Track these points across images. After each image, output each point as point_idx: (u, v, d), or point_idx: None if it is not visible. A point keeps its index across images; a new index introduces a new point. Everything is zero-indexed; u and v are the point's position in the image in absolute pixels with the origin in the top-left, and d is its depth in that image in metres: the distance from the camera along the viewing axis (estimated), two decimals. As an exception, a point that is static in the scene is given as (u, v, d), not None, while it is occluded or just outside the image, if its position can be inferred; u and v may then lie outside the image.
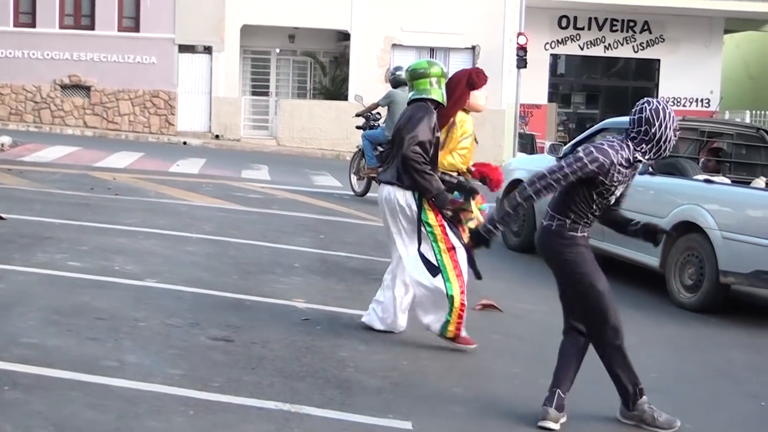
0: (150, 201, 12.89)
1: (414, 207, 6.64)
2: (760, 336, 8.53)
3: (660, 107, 5.24)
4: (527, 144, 25.48)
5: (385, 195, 6.78)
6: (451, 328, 6.67)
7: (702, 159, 10.93)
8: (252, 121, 29.53)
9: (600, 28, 30.46)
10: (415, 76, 6.79)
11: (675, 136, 5.27)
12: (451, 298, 6.60)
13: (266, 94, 29.95)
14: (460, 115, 7.85)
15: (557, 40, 30.37)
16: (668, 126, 5.21)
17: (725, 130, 11.26)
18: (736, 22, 30.65)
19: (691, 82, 30.18)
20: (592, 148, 5.25)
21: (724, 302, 9.13)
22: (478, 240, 5.41)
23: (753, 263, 8.58)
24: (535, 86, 29.04)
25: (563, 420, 5.47)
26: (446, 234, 6.67)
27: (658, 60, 30.72)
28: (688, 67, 30.18)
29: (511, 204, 5.29)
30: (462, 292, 6.64)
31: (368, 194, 15.33)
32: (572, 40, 30.42)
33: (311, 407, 5.29)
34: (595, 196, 5.36)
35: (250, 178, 17.69)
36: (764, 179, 10.31)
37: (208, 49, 28.00)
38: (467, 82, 8.11)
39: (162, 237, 10.02)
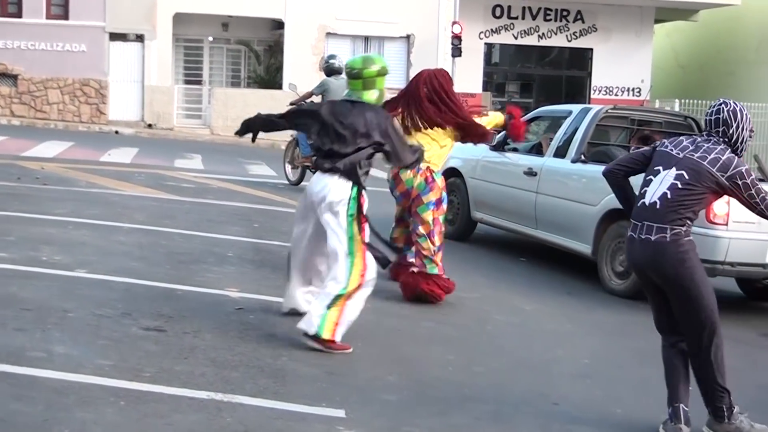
0: (80, 191, 12.69)
1: (344, 203, 6.36)
2: (689, 320, 8.66)
3: (738, 108, 5.29)
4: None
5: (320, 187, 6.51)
6: (329, 326, 6.23)
7: (632, 147, 11.06)
8: (185, 110, 29.23)
9: (534, 18, 30.66)
10: (350, 75, 6.61)
11: (750, 136, 5.33)
12: (338, 297, 6.26)
13: (200, 82, 29.68)
14: None
15: (491, 30, 30.50)
16: (745, 127, 5.28)
17: (654, 119, 11.41)
18: (666, 12, 31.07)
19: (622, 71, 30.54)
20: (740, 168, 5.21)
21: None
22: None
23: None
24: (470, 75, 29.15)
25: None
26: (363, 231, 6.40)
27: (591, 49, 31.02)
28: (619, 57, 30.54)
29: None
30: (348, 297, 6.30)
31: (303, 183, 15.27)
32: (506, 29, 30.57)
33: (244, 396, 5.25)
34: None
35: (183, 168, 17.52)
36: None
37: (140, 38, 27.64)
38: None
39: (92, 227, 9.87)
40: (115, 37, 27.48)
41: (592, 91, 30.83)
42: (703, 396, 5.43)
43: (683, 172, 5.20)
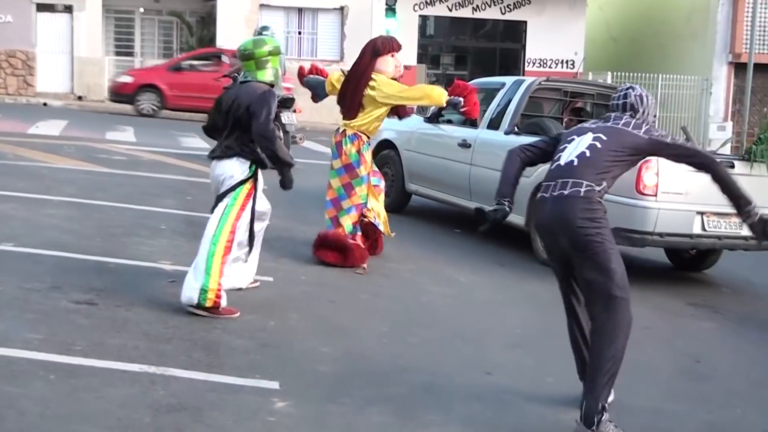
0: (7, 164, 12.43)
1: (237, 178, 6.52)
2: (618, 290, 8.78)
3: (644, 94, 5.32)
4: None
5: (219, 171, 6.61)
6: (210, 296, 6.28)
7: (565, 119, 11.16)
8: (117, 81, 28.78)
9: (468, -10, 30.72)
10: (242, 58, 6.76)
11: (654, 120, 5.41)
12: (208, 270, 6.33)
13: (131, 54, 29.23)
14: (376, 78, 8.22)
15: (426, 2, 30.46)
16: (650, 112, 5.31)
17: (587, 90, 11.51)
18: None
19: (556, 43, 30.75)
20: (656, 129, 5.27)
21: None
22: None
23: (612, 220, 8.75)
24: (405, 48, 28.86)
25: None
26: (242, 210, 6.52)
27: (525, 22, 31.16)
28: (553, 29, 30.73)
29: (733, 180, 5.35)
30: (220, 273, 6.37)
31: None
32: (441, 1, 30.56)
33: (177, 369, 5.22)
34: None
35: (115, 140, 17.27)
36: (623, 138, 10.58)
37: (68, 8, 27.14)
38: (372, 49, 8.40)
39: (20, 200, 9.68)
40: (42, 8, 26.96)
41: (526, 64, 31.00)
42: (584, 385, 5.02)
43: (601, 135, 5.16)
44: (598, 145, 5.13)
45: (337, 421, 4.80)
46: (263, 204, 6.83)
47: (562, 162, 5.18)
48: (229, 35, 27.23)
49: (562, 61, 31.02)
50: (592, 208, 5.02)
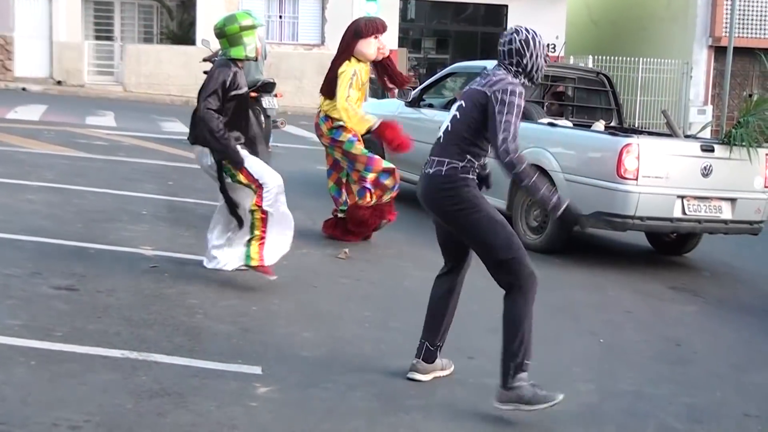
0: (-13, 149, 12.36)
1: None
2: (600, 275, 8.82)
3: (530, 36, 5.00)
4: (378, 89, 25.51)
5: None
6: (255, 256, 6.69)
7: (546, 103, 11.17)
8: (96, 66, 28.62)
9: (449, -26, 30.66)
10: (216, 36, 6.80)
11: (545, 63, 5.06)
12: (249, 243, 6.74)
13: (111, 38, 29.04)
14: (345, 66, 8.09)
15: (407, -15, 30.42)
16: (539, 55, 4.99)
17: (568, 74, 11.52)
18: (580, -31, 31.36)
19: (537, 27, 29.33)
20: (508, 86, 4.80)
21: (567, 243, 9.41)
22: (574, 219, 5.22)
23: (593, 205, 8.83)
24: (386, 32, 29.01)
25: (443, 373, 5.40)
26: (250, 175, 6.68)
27: (506, 6, 31.12)
28: (534, 13, 30.63)
29: (530, 171, 4.88)
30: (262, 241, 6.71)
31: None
32: (421, -16, 30.52)
33: (159, 354, 5.20)
34: None
35: (94, 125, 17.17)
36: (603, 122, 10.62)
37: (47, -8, 26.92)
38: (354, 30, 8.30)
39: None
40: (20, -9, 26.72)
41: (507, 48, 30.90)
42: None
43: (462, 102, 4.99)
44: (458, 116, 4.97)
45: (319, 406, 4.80)
46: (271, 178, 6.70)
47: (437, 137, 5.10)
48: (209, 19, 27.05)
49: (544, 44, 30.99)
50: (448, 186, 4.91)
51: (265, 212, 6.64)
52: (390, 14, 29.32)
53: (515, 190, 9.54)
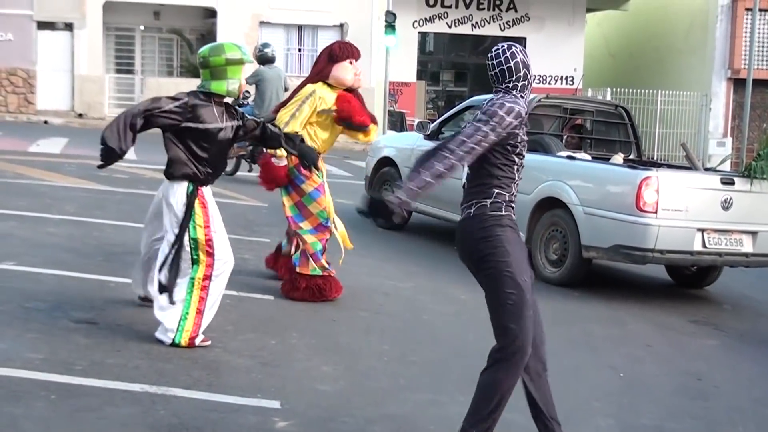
0: (7, 182, 12.44)
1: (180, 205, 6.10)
2: (618, 309, 8.78)
3: (517, 49, 4.61)
4: (397, 122, 25.58)
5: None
6: (185, 336, 5.98)
7: (565, 136, 11.18)
8: (117, 99, 28.82)
9: (467, 7, 30.79)
10: (200, 65, 6.16)
11: (529, 75, 4.65)
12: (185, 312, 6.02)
13: (131, 72, 29.30)
14: (319, 90, 7.63)
15: (425, 18, 30.56)
16: (523, 65, 4.60)
17: (586, 107, 11.53)
18: (597, 1, 31.42)
19: (556, 60, 30.81)
20: (500, 101, 4.49)
21: (586, 276, 9.38)
22: (382, 211, 4.49)
23: (612, 238, 8.82)
24: (404, 64, 29.20)
25: None
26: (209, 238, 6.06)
27: (524, 38, 31.19)
28: (553, 46, 30.80)
29: (434, 174, 4.39)
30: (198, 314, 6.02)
31: (238, 173, 15.21)
32: (440, 18, 30.66)
33: (178, 388, 5.21)
34: (516, 159, 4.62)
35: (115, 158, 17.25)
36: (622, 155, 10.61)
37: (69, 26, 27.20)
38: (328, 54, 7.89)
39: (20, 218, 9.69)
40: (43, 25, 27.01)
41: (525, 81, 31.01)
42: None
43: None
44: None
45: (338, 441, 4.78)
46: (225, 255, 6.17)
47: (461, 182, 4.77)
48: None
49: (562, 77, 31.09)
50: (484, 226, 4.54)
51: (207, 281, 6.05)
52: (409, 47, 29.52)
53: (533, 224, 9.54)
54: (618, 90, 27.93)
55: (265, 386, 5.44)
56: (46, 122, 25.77)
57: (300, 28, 28.44)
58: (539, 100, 10.60)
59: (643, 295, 9.65)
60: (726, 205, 8.89)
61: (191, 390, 5.22)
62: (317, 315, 7.22)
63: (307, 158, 6.81)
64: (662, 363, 7.13)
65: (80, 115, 27.25)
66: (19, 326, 6.05)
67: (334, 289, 7.67)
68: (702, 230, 8.83)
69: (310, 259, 7.53)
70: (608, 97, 26.28)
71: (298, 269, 7.57)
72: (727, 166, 18.13)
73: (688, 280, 10.21)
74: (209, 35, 28.82)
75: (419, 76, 30.46)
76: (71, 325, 6.18)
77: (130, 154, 18.13)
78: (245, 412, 5.02)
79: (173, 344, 5.94)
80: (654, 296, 9.65)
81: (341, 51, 7.71)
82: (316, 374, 5.81)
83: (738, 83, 28.43)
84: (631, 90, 27.91)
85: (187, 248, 6.02)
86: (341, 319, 7.24)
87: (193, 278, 6.01)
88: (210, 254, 6.03)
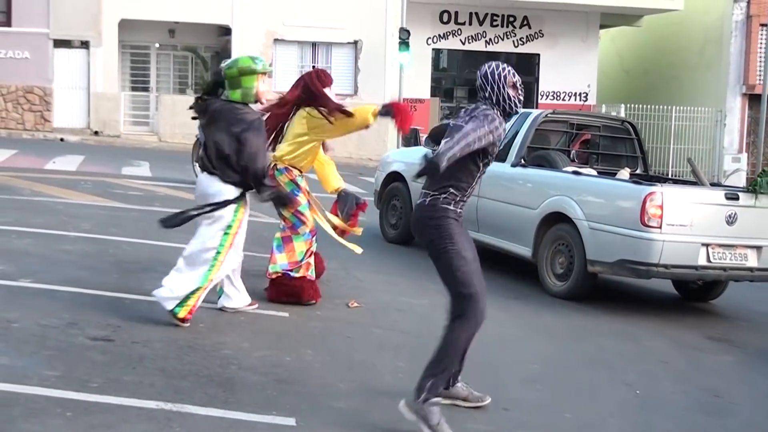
0: (24, 199, 12.50)
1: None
2: (628, 323, 8.75)
3: (489, 70, 5.30)
4: (411, 138, 25.57)
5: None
6: (184, 311, 6.77)
7: (573, 151, 11.18)
8: (132, 117, 29.01)
9: (481, 23, 30.86)
10: (224, 78, 7.06)
11: (518, 91, 5.29)
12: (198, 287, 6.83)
13: (147, 89, 29.44)
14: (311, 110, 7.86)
15: (439, 35, 30.64)
16: (503, 86, 5.24)
17: (593, 123, 11.53)
18: (611, 18, 31.46)
19: (569, 76, 30.85)
20: (486, 115, 5.12)
21: (592, 290, 9.38)
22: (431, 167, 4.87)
23: (617, 252, 8.83)
24: (418, 81, 29.28)
25: (463, 404, 5.74)
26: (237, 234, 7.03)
27: (538, 55, 31.29)
28: (566, 62, 30.84)
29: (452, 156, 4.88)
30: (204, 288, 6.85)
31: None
32: (454, 35, 30.74)
33: (193, 406, 5.21)
34: (481, 167, 5.26)
35: (130, 175, 17.35)
36: (628, 170, 10.61)
37: (85, 44, 27.38)
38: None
39: (37, 236, 9.73)
40: (59, 43, 27.19)
41: (539, 97, 31.09)
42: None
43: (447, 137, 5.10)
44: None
45: (353, 458, 4.78)
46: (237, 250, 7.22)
47: None
48: (244, 70, 27.38)
49: (576, 93, 31.09)
50: (432, 215, 5.24)
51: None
52: (422, 64, 29.59)
53: (540, 239, 9.55)
54: (632, 106, 27.91)
55: (281, 403, 5.44)
56: (62, 140, 25.91)
57: (314, 45, 28.55)
58: (546, 115, 10.62)
59: (655, 310, 9.62)
60: (731, 220, 8.89)
61: (207, 407, 5.23)
62: (332, 332, 7.23)
63: (281, 202, 7.40)
64: (679, 379, 7.10)
65: (96, 133, 27.39)
66: (36, 343, 6.07)
67: (313, 294, 7.94)
68: (707, 245, 8.82)
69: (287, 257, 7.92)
70: (622, 113, 26.27)
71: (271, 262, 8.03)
72: (741, 181, 18.10)
73: (694, 293, 10.21)
74: (224, 53, 28.93)
75: (433, 93, 30.52)
76: (87, 343, 6.20)
77: (146, 171, 18.25)
78: (261, 429, 5.02)
79: (171, 312, 6.69)
80: (667, 311, 9.61)
81: (320, 79, 8.05)
82: (331, 391, 5.81)
83: (753, 98, 28.38)
84: (645, 106, 27.90)
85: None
86: (356, 336, 7.24)
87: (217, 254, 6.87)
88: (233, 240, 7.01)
